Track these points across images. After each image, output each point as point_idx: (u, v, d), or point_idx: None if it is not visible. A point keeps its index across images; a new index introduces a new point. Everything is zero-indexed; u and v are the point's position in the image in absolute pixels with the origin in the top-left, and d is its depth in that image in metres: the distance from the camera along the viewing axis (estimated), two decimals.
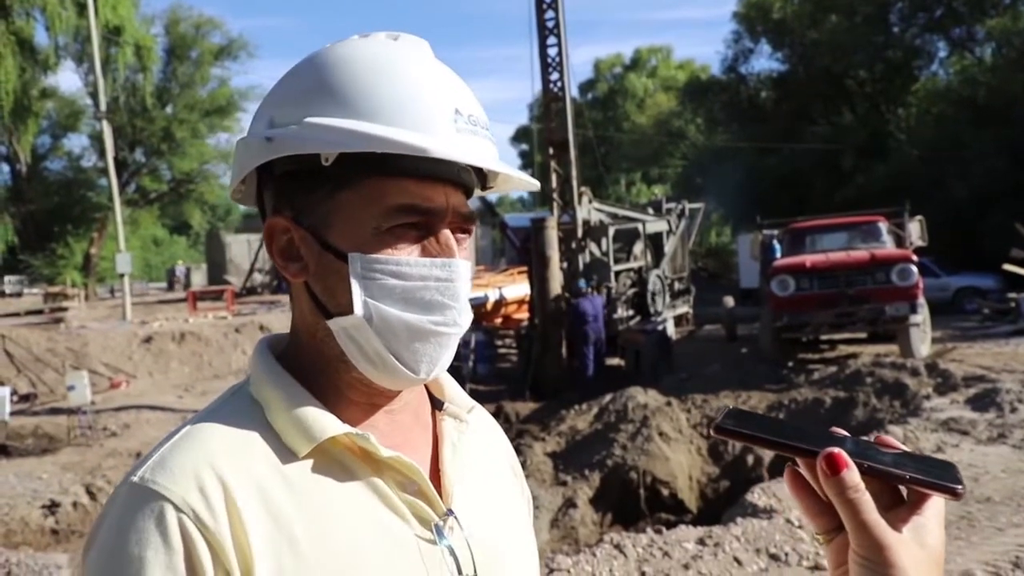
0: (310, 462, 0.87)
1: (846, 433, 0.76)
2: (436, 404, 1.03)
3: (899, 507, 0.73)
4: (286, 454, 0.87)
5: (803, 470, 0.75)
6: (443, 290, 0.88)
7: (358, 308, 0.87)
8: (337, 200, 0.88)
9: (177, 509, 0.79)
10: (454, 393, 1.04)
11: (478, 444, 1.05)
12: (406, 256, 0.87)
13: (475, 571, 0.91)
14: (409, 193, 0.87)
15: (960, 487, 0.70)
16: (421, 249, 0.89)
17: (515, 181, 0.96)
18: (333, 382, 0.92)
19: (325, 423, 0.88)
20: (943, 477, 0.71)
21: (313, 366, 0.93)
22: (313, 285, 0.91)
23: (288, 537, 0.82)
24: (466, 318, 0.92)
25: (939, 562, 0.71)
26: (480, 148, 0.90)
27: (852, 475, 0.70)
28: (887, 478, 0.71)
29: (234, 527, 0.81)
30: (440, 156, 0.83)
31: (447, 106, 0.88)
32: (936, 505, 0.72)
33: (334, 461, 0.88)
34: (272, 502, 0.83)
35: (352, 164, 0.86)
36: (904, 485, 0.72)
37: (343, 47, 0.91)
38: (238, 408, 0.90)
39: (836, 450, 0.70)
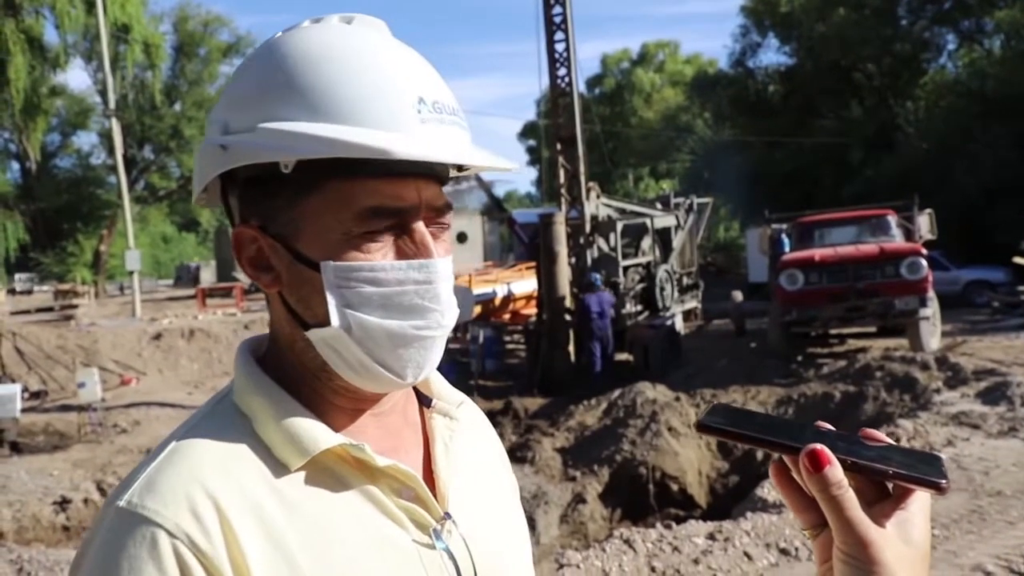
0: (303, 475, 0.84)
1: (831, 427, 0.75)
2: (423, 400, 0.99)
3: (884, 502, 0.71)
4: (278, 468, 0.83)
5: (789, 465, 0.74)
6: (423, 293, 0.84)
7: (334, 319, 0.83)
8: (303, 206, 0.83)
9: (170, 535, 0.75)
10: (442, 389, 1.00)
11: (469, 440, 1.02)
12: (381, 260, 0.83)
13: (475, 573, 0.90)
14: (379, 194, 0.81)
15: (944, 481, 0.70)
16: (396, 250, 0.84)
17: (493, 160, 0.88)
18: (317, 389, 0.88)
19: (317, 434, 0.84)
20: (927, 471, 0.70)
21: (295, 373, 0.89)
22: (287, 296, 0.86)
23: (286, 556, 0.79)
24: (450, 318, 0.87)
25: (924, 557, 0.70)
26: (448, 138, 0.84)
27: (835, 471, 0.69)
28: (871, 473, 0.71)
29: (230, 550, 0.77)
30: (404, 157, 0.77)
31: (410, 96, 0.82)
32: (921, 499, 0.71)
33: (327, 472, 0.85)
34: (267, 520, 0.80)
35: (315, 168, 0.80)
36: (888, 480, 0.71)
37: (295, 37, 0.86)
38: (224, 421, 0.86)
39: (818, 446, 0.70)
